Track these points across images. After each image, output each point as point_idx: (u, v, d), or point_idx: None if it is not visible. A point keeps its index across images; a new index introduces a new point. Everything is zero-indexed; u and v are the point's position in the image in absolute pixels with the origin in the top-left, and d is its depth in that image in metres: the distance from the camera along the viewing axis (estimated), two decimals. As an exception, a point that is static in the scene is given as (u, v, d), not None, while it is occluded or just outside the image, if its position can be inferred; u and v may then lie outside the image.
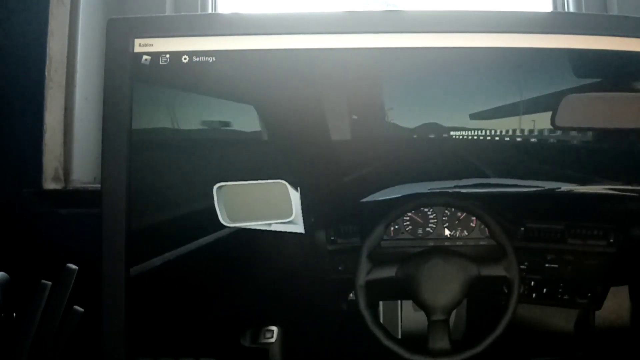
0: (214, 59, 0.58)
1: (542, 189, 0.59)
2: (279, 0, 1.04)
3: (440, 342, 0.57)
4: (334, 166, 0.59)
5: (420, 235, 0.61)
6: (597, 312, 0.60)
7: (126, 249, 0.57)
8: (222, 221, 0.58)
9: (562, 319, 0.61)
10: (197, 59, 0.58)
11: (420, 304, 0.58)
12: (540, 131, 0.59)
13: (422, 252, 0.59)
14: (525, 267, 0.60)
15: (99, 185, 0.58)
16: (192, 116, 0.59)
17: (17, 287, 0.61)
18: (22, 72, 0.81)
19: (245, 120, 0.59)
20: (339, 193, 0.59)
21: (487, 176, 0.59)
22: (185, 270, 0.59)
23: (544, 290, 0.60)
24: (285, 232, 0.59)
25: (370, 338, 0.58)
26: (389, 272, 0.59)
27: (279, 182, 0.59)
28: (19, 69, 0.81)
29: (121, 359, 0.57)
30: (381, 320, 0.60)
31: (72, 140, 0.85)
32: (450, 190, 0.59)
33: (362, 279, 0.58)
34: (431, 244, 0.61)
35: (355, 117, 0.59)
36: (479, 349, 0.56)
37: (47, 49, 0.81)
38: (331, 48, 0.58)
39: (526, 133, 0.59)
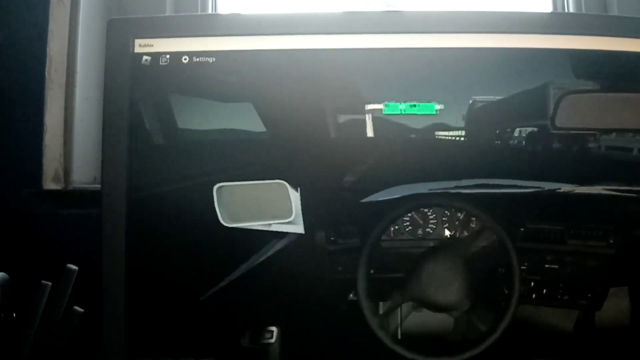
0: (214, 59, 0.58)
1: (542, 189, 0.59)
2: (279, 1, 1.04)
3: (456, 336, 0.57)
4: (334, 166, 0.59)
5: (420, 235, 0.61)
6: (597, 313, 0.60)
7: (126, 249, 0.57)
8: (222, 221, 0.58)
9: (562, 319, 0.61)
10: (197, 59, 0.58)
11: (423, 304, 0.58)
12: (540, 132, 0.59)
13: (422, 253, 0.59)
14: (525, 267, 0.60)
15: (99, 186, 0.58)
16: (192, 116, 0.59)
17: (17, 287, 0.61)
18: (22, 73, 0.81)
19: (245, 121, 0.59)
20: (339, 193, 0.59)
21: (487, 177, 0.59)
22: (185, 271, 0.59)
23: (544, 290, 0.60)
24: (285, 233, 0.59)
25: (371, 338, 0.58)
26: (389, 273, 0.59)
27: (279, 183, 0.59)
28: (19, 69, 0.81)
29: (121, 360, 0.57)
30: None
31: (72, 141, 0.85)
32: (450, 191, 0.59)
33: (362, 279, 0.58)
34: (431, 244, 0.61)
35: (355, 117, 0.59)
36: (478, 349, 0.56)
37: (48, 49, 0.81)
38: (331, 48, 0.58)
39: (526, 133, 0.59)
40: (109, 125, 0.58)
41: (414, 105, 0.57)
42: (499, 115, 0.59)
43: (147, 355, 0.58)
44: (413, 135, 0.59)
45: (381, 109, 0.58)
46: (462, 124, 0.58)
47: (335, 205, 0.60)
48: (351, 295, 0.59)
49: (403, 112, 0.57)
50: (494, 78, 0.59)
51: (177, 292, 0.59)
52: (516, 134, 0.59)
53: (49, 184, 0.82)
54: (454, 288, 0.58)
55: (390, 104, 0.57)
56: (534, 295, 0.60)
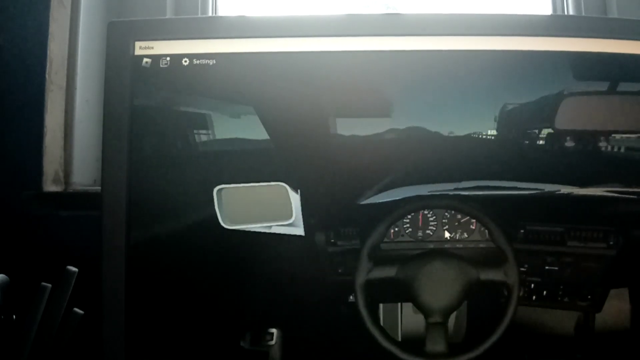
0: (215, 61, 0.58)
1: (542, 191, 0.59)
2: (280, 3, 1.04)
3: (438, 345, 0.57)
4: (334, 168, 0.59)
5: (420, 237, 0.61)
6: (597, 315, 0.60)
7: (126, 251, 0.57)
8: (222, 224, 0.58)
9: (562, 321, 0.61)
10: (198, 61, 0.58)
11: (419, 306, 0.58)
12: (540, 133, 0.59)
13: (422, 255, 0.59)
14: (525, 269, 0.60)
15: (99, 188, 0.58)
16: (193, 119, 0.59)
17: (17, 289, 0.61)
18: (22, 75, 0.81)
19: (246, 123, 0.59)
20: (339, 195, 0.59)
21: (487, 178, 0.59)
22: (185, 273, 0.59)
23: (544, 292, 0.60)
24: (285, 235, 0.59)
25: (370, 340, 0.57)
26: (388, 273, 0.59)
27: (279, 185, 0.59)
28: (20, 71, 0.81)
29: (121, 362, 0.57)
30: (381, 322, 0.60)
31: (72, 143, 0.85)
32: (450, 193, 0.59)
33: (362, 278, 0.58)
34: (431, 246, 0.61)
35: (355, 119, 0.59)
36: (477, 352, 0.56)
37: (48, 51, 0.81)
38: (331, 51, 0.58)
39: (525, 135, 0.59)
40: (109, 127, 0.58)
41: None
42: (499, 116, 0.59)
43: (147, 357, 0.58)
44: (412, 137, 0.59)
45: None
46: (462, 125, 0.58)
47: (335, 207, 0.60)
48: (351, 297, 0.59)
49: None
50: (494, 80, 0.59)
51: (177, 294, 0.59)
52: (516, 135, 0.59)
53: (49, 186, 0.82)
54: (447, 295, 0.58)
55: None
56: (534, 297, 0.60)
